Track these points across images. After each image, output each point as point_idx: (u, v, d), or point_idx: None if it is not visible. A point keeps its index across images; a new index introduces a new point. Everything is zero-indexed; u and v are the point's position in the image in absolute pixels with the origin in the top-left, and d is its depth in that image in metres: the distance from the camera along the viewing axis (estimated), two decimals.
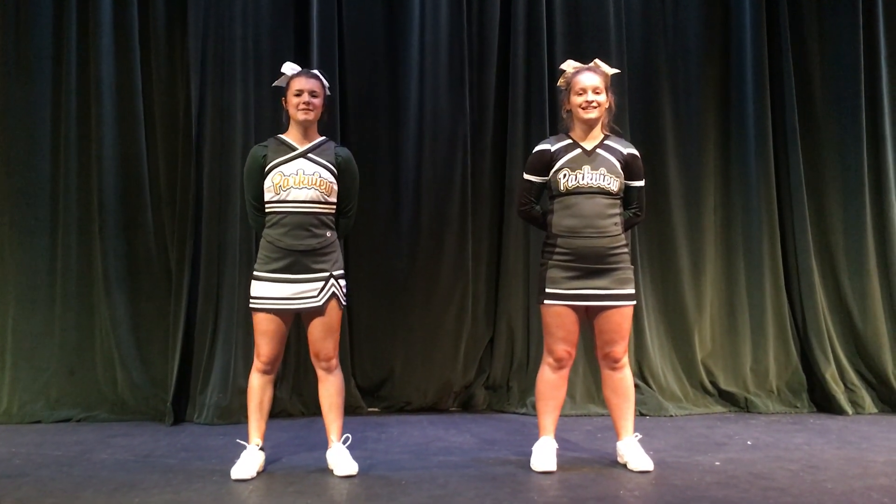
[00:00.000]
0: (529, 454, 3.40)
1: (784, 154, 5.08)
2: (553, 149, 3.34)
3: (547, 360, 3.38)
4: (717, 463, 3.48)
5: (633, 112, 4.99)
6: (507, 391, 4.92)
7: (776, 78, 5.10)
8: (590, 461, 3.53)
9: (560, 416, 4.61)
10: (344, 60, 4.92)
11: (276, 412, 4.60)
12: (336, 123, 4.78)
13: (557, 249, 3.29)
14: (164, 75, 4.82)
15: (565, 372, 3.40)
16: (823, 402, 4.85)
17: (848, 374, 4.89)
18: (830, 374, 4.83)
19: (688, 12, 5.16)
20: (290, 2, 4.86)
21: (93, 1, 4.72)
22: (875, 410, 4.81)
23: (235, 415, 4.42)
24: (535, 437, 3.43)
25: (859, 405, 4.80)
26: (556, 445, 3.39)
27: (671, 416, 4.69)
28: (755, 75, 5.08)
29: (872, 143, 5.05)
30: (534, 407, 4.67)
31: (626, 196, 3.38)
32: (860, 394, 4.83)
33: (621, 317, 3.33)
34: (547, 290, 3.31)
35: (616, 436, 3.46)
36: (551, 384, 3.38)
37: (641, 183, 3.43)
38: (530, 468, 3.34)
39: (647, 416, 4.62)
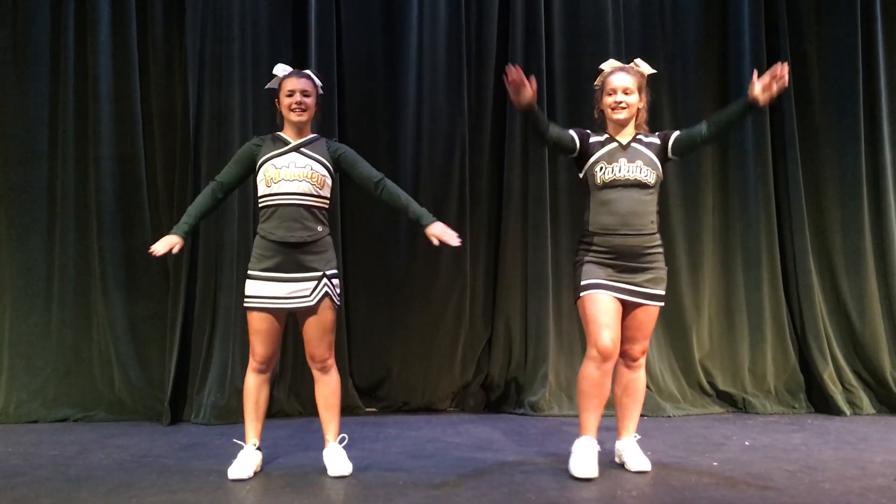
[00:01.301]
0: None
1: (782, 155, 5.08)
2: (592, 139, 3.30)
3: (591, 354, 3.19)
4: (715, 463, 3.48)
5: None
6: (504, 391, 4.92)
7: None
8: None
9: (558, 416, 4.66)
10: (342, 60, 4.92)
11: (274, 412, 4.61)
12: (334, 123, 4.79)
13: (594, 248, 3.22)
14: (162, 75, 4.82)
15: (610, 366, 3.18)
16: (821, 403, 4.85)
17: (846, 375, 4.90)
18: (828, 375, 4.83)
19: (686, 14, 5.17)
20: (288, 2, 4.86)
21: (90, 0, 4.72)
22: (873, 411, 4.82)
23: (233, 415, 4.41)
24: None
25: (857, 406, 4.80)
26: (597, 447, 3.25)
27: (669, 416, 4.69)
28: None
29: (870, 144, 5.06)
30: (532, 407, 4.70)
31: (685, 138, 3.25)
32: (858, 394, 4.84)
33: (648, 316, 3.27)
34: (582, 283, 3.21)
35: (616, 435, 3.45)
36: (595, 382, 3.18)
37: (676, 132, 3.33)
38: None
39: (645, 416, 4.57)
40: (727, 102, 5.12)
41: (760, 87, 3.06)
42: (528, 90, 3.10)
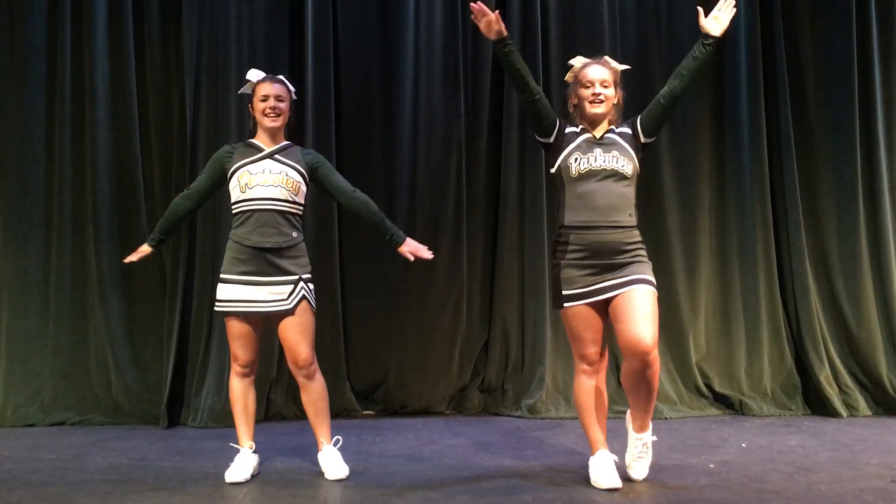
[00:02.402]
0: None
1: (778, 157, 5.09)
2: (567, 129, 3.21)
3: (580, 368, 3.15)
4: (712, 465, 3.48)
5: (627, 116, 4.98)
6: (501, 394, 4.92)
7: (770, 81, 5.11)
8: (584, 464, 3.52)
9: (555, 418, 4.67)
10: (339, 64, 4.93)
11: (271, 416, 4.62)
12: (331, 127, 4.80)
13: (570, 247, 3.08)
14: (158, 78, 4.82)
15: (602, 375, 3.16)
16: (817, 405, 4.85)
17: (842, 377, 4.90)
18: (824, 377, 4.84)
19: (682, 17, 5.16)
20: (284, 5, 4.87)
21: (87, 3, 4.72)
22: (869, 413, 4.82)
23: (229, 418, 4.33)
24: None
25: (853, 407, 4.80)
26: (614, 457, 3.15)
27: (666, 418, 4.69)
28: (749, 79, 5.10)
29: (866, 146, 5.07)
30: (529, 409, 4.70)
31: (649, 112, 3.21)
32: (854, 396, 4.84)
33: (641, 294, 2.99)
34: (564, 293, 3.10)
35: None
36: (591, 393, 3.13)
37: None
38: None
39: None
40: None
41: (710, 17, 3.15)
42: (492, 18, 3.04)
